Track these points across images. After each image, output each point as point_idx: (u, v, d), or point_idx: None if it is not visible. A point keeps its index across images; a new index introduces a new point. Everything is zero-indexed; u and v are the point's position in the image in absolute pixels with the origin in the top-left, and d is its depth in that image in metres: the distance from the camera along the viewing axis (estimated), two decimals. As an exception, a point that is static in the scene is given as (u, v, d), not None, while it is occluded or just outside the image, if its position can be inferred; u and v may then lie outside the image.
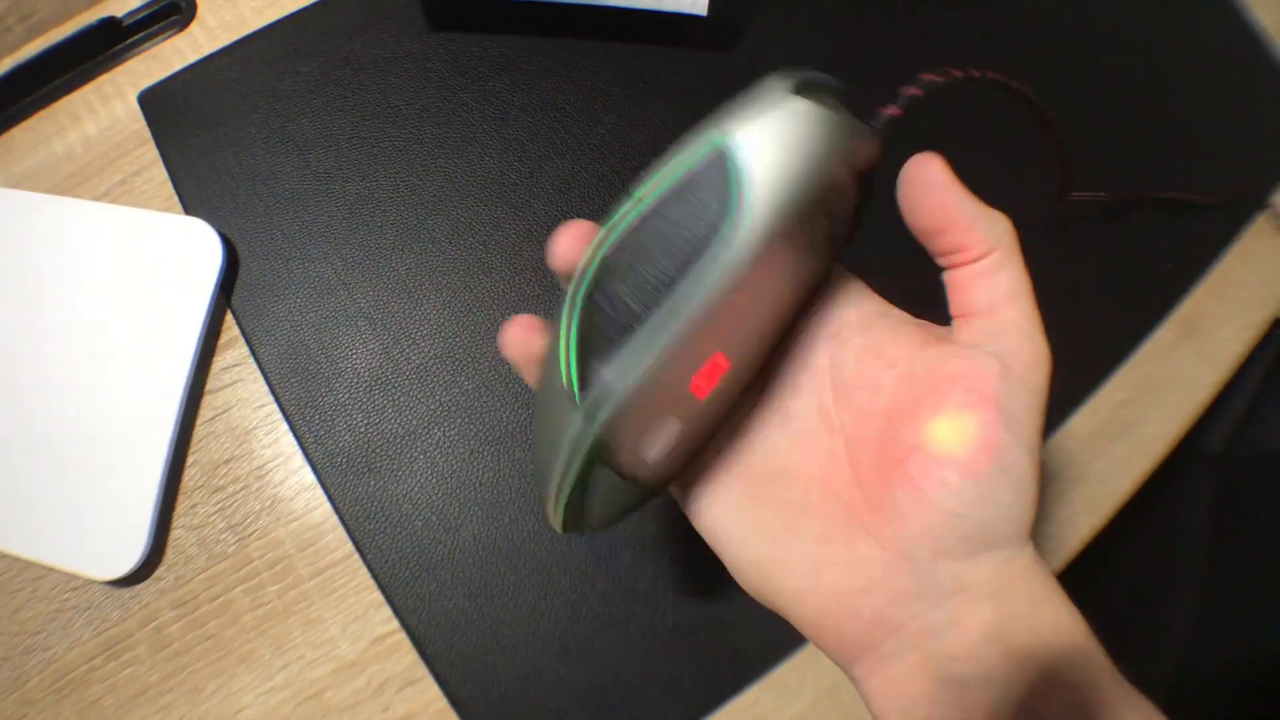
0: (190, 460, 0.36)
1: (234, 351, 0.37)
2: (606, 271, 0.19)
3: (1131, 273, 0.41)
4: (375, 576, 0.34)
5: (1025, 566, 0.20)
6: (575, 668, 0.33)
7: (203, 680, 0.33)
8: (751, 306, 0.20)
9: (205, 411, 0.36)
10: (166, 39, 0.41)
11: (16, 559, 0.34)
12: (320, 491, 0.35)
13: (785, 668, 0.34)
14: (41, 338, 0.35)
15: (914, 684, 0.19)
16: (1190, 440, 0.39)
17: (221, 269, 0.36)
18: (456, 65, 0.40)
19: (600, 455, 0.20)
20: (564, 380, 0.20)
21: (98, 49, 0.40)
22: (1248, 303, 0.41)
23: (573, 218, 0.38)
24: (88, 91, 0.40)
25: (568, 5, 0.38)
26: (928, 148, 0.22)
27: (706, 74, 0.41)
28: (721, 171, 0.19)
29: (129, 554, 0.33)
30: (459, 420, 0.35)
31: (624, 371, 0.19)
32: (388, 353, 0.36)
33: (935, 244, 0.22)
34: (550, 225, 0.38)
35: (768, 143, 0.19)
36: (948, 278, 0.22)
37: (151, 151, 0.39)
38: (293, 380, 0.36)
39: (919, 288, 0.23)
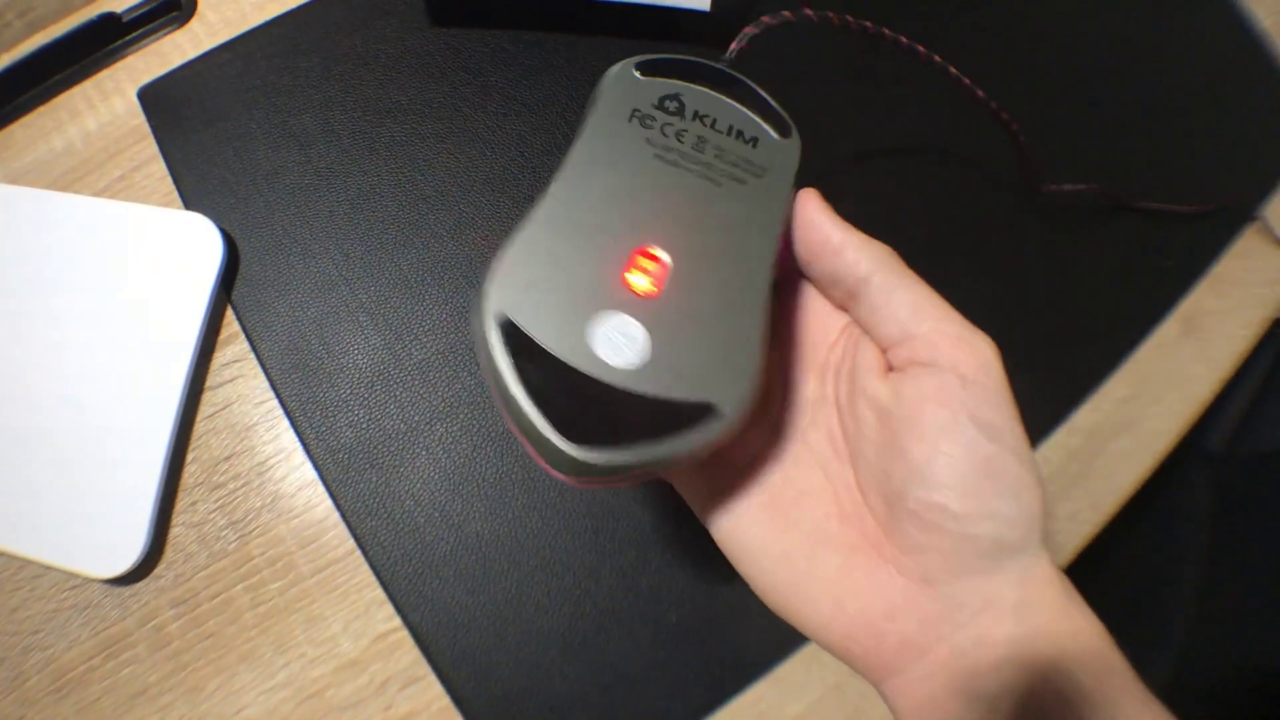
0: (190, 457, 0.35)
1: (234, 347, 0.37)
2: None
3: (1132, 270, 0.41)
4: (377, 573, 0.34)
5: (1045, 575, 0.20)
6: (579, 665, 0.33)
7: (203, 679, 0.33)
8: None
9: (205, 408, 0.36)
10: (166, 35, 0.41)
11: (14, 557, 0.34)
12: (321, 488, 0.35)
13: (790, 664, 0.34)
14: (41, 334, 0.35)
15: (943, 704, 0.20)
16: (1191, 439, 0.39)
17: (222, 264, 0.35)
18: (458, 60, 0.40)
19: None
20: None
21: (97, 45, 0.40)
22: (1248, 300, 0.42)
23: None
24: (87, 87, 0.40)
25: (570, 0, 0.38)
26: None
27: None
28: None
29: (128, 552, 0.33)
30: (461, 416, 0.35)
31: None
32: (389, 348, 0.36)
33: (811, 272, 0.23)
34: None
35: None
36: (856, 323, 0.23)
37: (151, 147, 0.39)
38: (294, 376, 0.35)
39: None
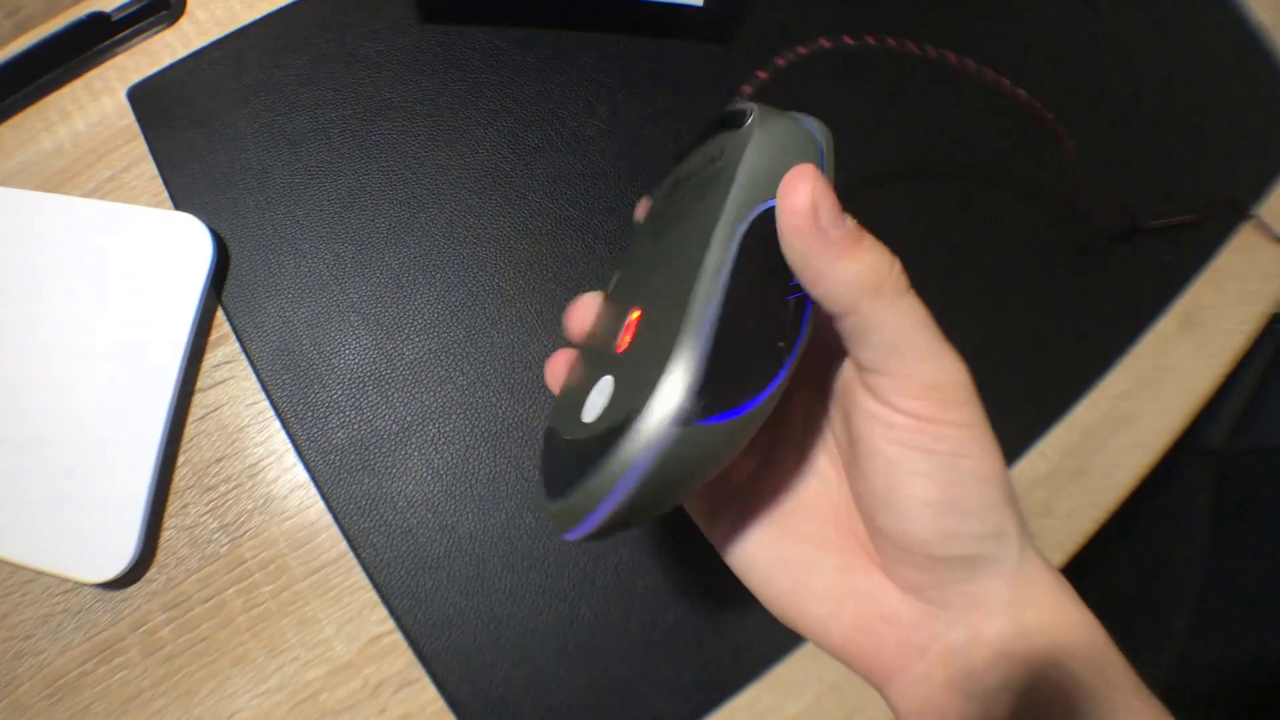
0: (181, 459, 0.35)
1: (225, 348, 0.36)
2: None
3: (1131, 265, 0.40)
4: (370, 576, 0.33)
5: (1035, 573, 0.20)
6: (574, 667, 0.33)
7: (196, 683, 0.33)
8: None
9: (196, 409, 0.36)
10: (156, 34, 0.41)
11: (5, 562, 0.33)
12: (314, 490, 0.34)
13: (786, 665, 0.34)
14: (30, 335, 0.35)
15: (941, 703, 0.20)
16: (1189, 434, 0.39)
17: (212, 265, 0.35)
18: (449, 58, 0.39)
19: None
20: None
21: (86, 44, 0.40)
22: (1246, 295, 0.41)
23: (568, 210, 0.38)
24: (76, 87, 0.40)
25: (562, -3, 0.38)
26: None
27: (702, 66, 0.40)
28: None
29: (119, 556, 0.33)
30: (454, 416, 0.35)
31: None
32: (381, 348, 0.36)
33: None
34: (544, 217, 0.38)
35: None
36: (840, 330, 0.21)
37: (141, 147, 0.38)
38: (285, 377, 0.35)
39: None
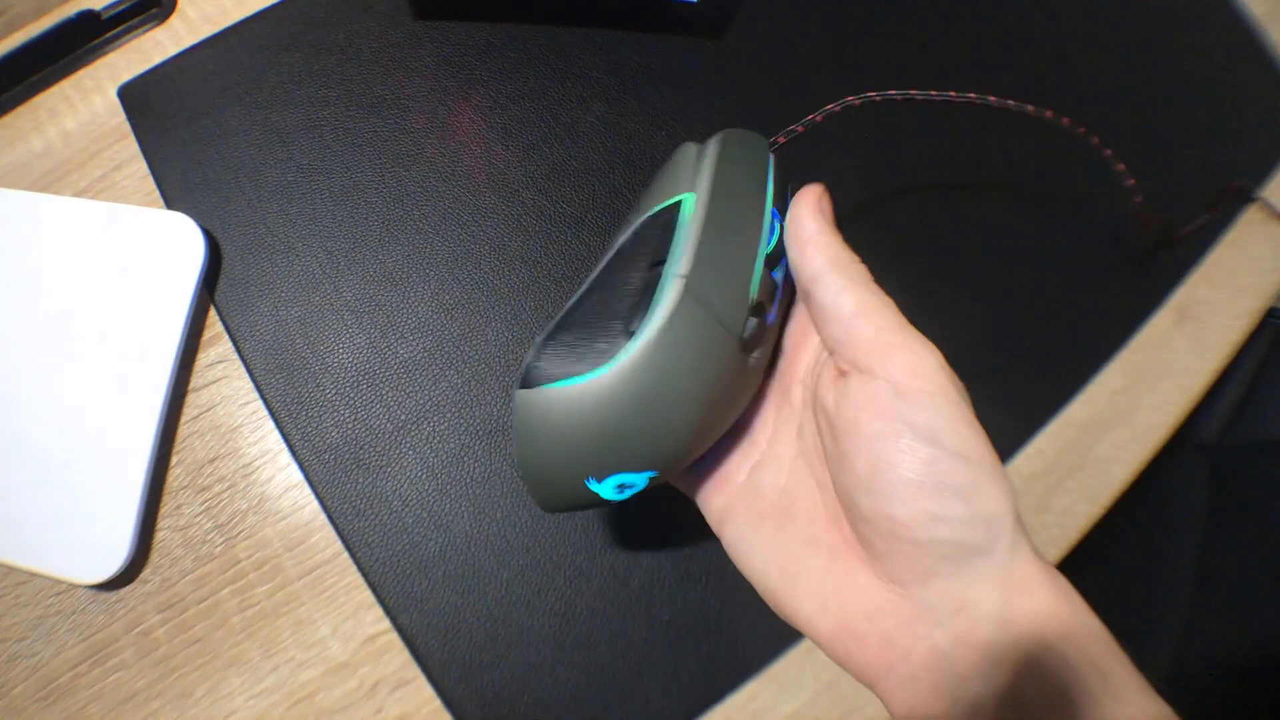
0: (174, 459, 0.35)
1: (218, 348, 0.36)
2: None
3: (1126, 259, 0.40)
4: (365, 575, 0.33)
5: (1027, 576, 0.20)
6: (570, 665, 0.33)
7: (191, 684, 0.33)
8: None
9: (189, 409, 0.35)
10: (146, 32, 0.40)
11: (-3, 563, 0.33)
12: (308, 489, 0.34)
13: (784, 662, 0.34)
14: (21, 336, 0.35)
15: (931, 706, 0.20)
16: (1185, 430, 0.39)
17: (204, 264, 0.35)
18: (442, 54, 0.39)
19: None
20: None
21: (76, 43, 0.40)
22: (1242, 289, 0.41)
23: (562, 206, 0.38)
24: (66, 86, 0.40)
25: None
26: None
27: (696, 62, 0.40)
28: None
29: (113, 557, 0.32)
30: (448, 414, 0.35)
31: None
32: (374, 347, 0.35)
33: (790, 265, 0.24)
34: (539, 214, 0.38)
35: None
36: (811, 317, 0.23)
37: (132, 146, 0.38)
38: (278, 376, 0.35)
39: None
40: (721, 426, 0.24)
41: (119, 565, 0.32)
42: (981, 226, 0.40)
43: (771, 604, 0.23)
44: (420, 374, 0.35)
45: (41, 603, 0.33)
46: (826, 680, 0.34)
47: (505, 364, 0.36)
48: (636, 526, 0.34)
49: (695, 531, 0.34)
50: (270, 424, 0.35)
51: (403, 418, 0.35)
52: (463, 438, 0.35)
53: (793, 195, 0.24)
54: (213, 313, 0.36)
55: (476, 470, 0.34)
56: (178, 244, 0.35)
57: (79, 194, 0.38)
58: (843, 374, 0.22)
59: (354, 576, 0.34)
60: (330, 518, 0.34)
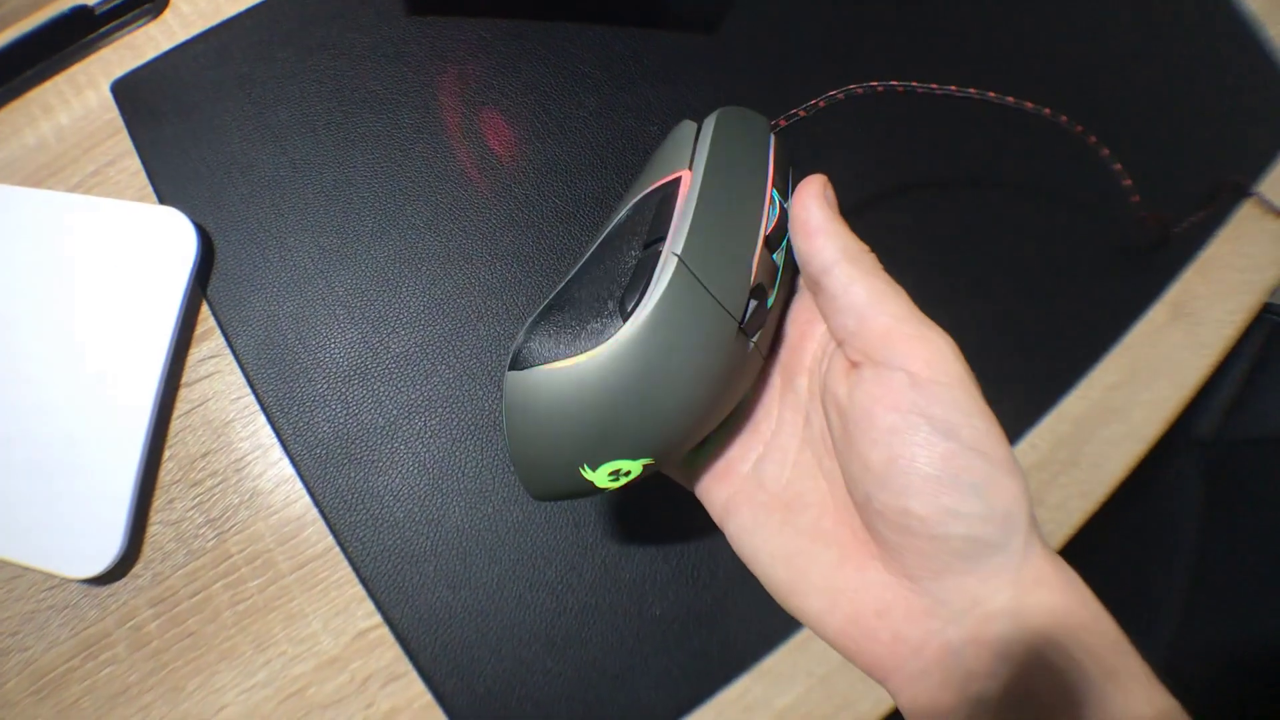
0: (167, 454, 0.35)
1: (210, 343, 0.36)
2: None
3: (1122, 254, 0.40)
4: (357, 570, 0.33)
5: (1040, 573, 0.19)
6: (562, 660, 0.33)
7: (183, 679, 0.33)
8: None
9: (181, 404, 0.35)
10: (139, 27, 0.40)
11: (-10, 558, 0.33)
12: (300, 484, 0.34)
13: (776, 657, 0.34)
14: (13, 331, 0.35)
15: (940, 702, 0.19)
16: (1180, 425, 0.39)
17: (196, 259, 0.35)
18: (434, 49, 0.39)
19: None
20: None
21: (70, 38, 0.39)
22: (1237, 285, 0.41)
23: (554, 201, 0.38)
24: (60, 81, 0.40)
25: (548, -13, 0.38)
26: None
27: (690, 56, 0.40)
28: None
29: (105, 552, 0.32)
30: (440, 409, 0.35)
31: None
32: (367, 342, 0.35)
33: (796, 257, 0.23)
34: (531, 210, 0.37)
35: None
36: (820, 308, 0.23)
37: (125, 141, 0.38)
38: (270, 371, 0.35)
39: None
40: (720, 413, 0.23)
41: (111, 560, 0.32)
42: (976, 222, 0.40)
43: (778, 599, 0.23)
44: (412, 369, 0.35)
45: (34, 597, 0.33)
46: (819, 675, 0.34)
47: (497, 359, 0.36)
48: (629, 521, 0.34)
49: (688, 526, 0.34)
50: (262, 419, 0.35)
51: (394, 412, 0.35)
52: (454, 432, 0.35)
53: (794, 180, 0.24)
54: (205, 308, 0.36)
55: (468, 465, 0.34)
56: (170, 239, 0.35)
57: (72, 189, 0.38)
58: (855, 365, 0.21)
59: (345, 571, 0.34)
60: (322, 512, 0.34)
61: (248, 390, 0.35)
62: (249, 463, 0.35)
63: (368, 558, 0.33)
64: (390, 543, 0.33)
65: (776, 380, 0.25)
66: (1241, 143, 0.43)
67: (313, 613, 0.33)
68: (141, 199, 0.37)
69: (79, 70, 0.40)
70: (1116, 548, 0.52)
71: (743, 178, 0.23)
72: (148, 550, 0.34)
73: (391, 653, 0.33)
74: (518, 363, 0.22)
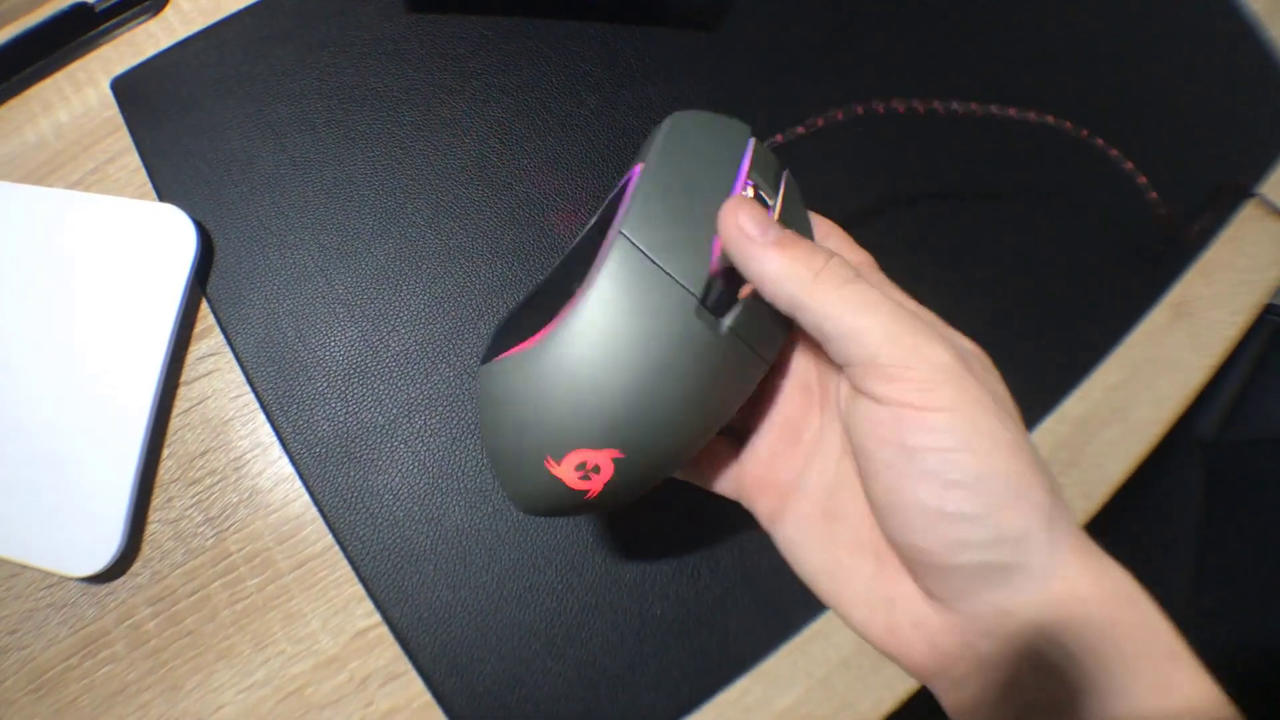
0: (166, 452, 0.35)
1: (209, 341, 0.36)
2: None
3: (1122, 255, 0.40)
4: (356, 569, 0.33)
5: (1069, 578, 0.18)
6: (562, 660, 0.33)
7: (181, 677, 0.33)
8: None
9: (181, 402, 0.35)
10: (140, 24, 0.40)
11: (-12, 556, 0.33)
12: (299, 483, 0.34)
13: (776, 658, 0.34)
14: (12, 328, 0.35)
15: (980, 707, 0.19)
16: (1181, 426, 0.39)
17: (196, 256, 0.35)
18: (435, 47, 0.39)
19: None
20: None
21: (69, 35, 0.39)
22: (1238, 286, 0.41)
23: (555, 200, 0.38)
24: (60, 79, 0.39)
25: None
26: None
27: (691, 54, 0.40)
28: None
29: (104, 550, 0.32)
30: (440, 408, 0.35)
31: None
32: (367, 340, 0.35)
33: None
34: (532, 208, 0.37)
35: None
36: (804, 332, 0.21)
37: (125, 138, 0.38)
38: (270, 369, 0.35)
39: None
40: (701, 403, 0.21)
41: (110, 558, 0.32)
42: (976, 224, 0.40)
43: (827, 604, 0.23)
44: (412, 367, 0.35)
45: (32, 595, 0.33)
46: (819, 676, 0.34)
47: (498, 358, 0.36)
48: (629, 521, 0.34)
49: (689, 526, 0.34)
50: (261, 417, 0.35)
51: (394, 411, 0.35)
52: (454, 431, 0.35)
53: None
54: (204, 305, 0.36)
55: (468, 464, 0.34)
56: (170, 237, 0.35)
57: (72, 186, 0.38)
58: (854, 391, 0.20)
59: (345, 570, 0.34)
60: (321, 511, 0.34)
61: (247, 388, 0.35)
62: (248, 461, 0.35)
63: (367, 557, 0.33)
64: (389, 542, 0.33)
65: (815, 388, 0.25)
66: (1242, 143, 0.43)
67: (311, 612, 0.33)
68: (141, 196, 0.37)
69: (79, 67, 0.39)
70: (1117, 548, 0.51)
71: (703, 168, 0.22)
72: (146, 549, 0.34)
73: (390, 652, 0.33)
74: (485, 357, 0.22)
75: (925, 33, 0.42)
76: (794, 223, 0.23)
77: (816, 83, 0.40)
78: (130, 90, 0.38)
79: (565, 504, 0.22)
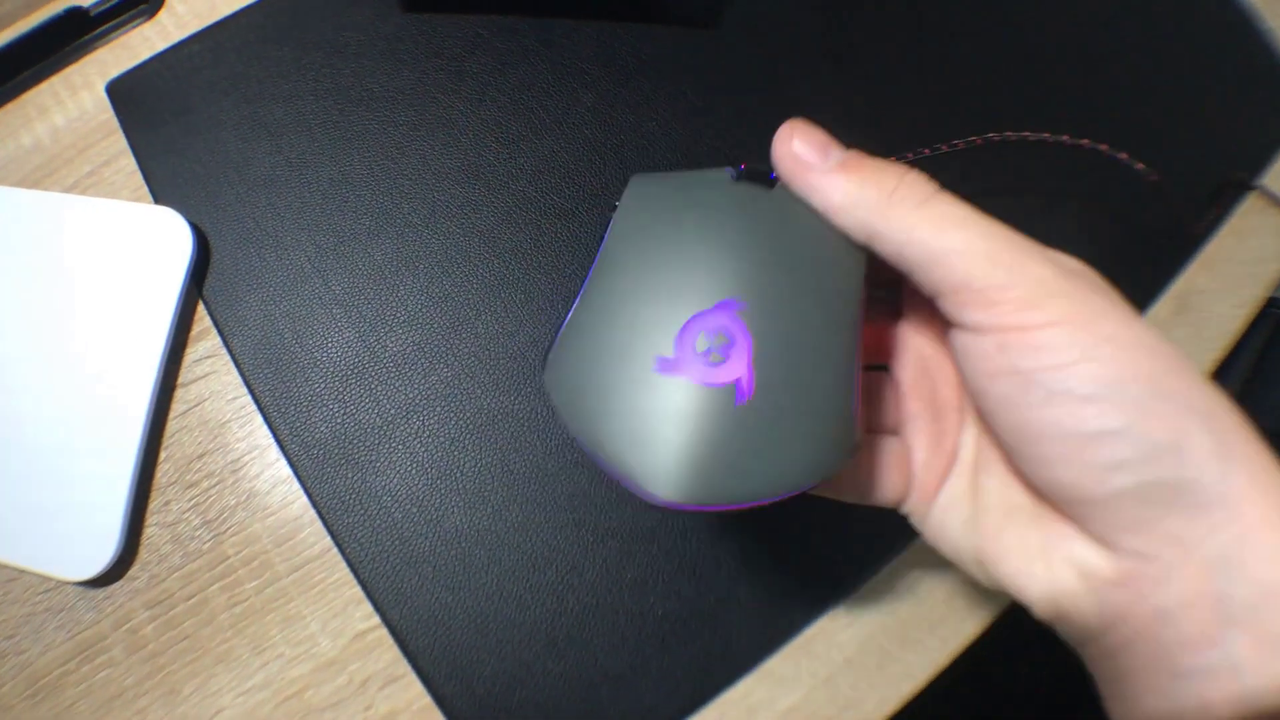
0: (163, 455, 0.35)
1: (206, 343, 0.36)
2: None
3: (1126, 247, 0.40)
4: (355, 571, 0.33)
5: (1260, 510, 0.15)
6: (563, 661, 0.32)
7: (179, 682, 0.32)
8: None
9: (178, 405, 0.35)
10: (135, 28, 0.40)
11: (-15, 561, 0.33)
12: (297, 485, 0.34)
13: (779, 658, 0.33)
14: (8, 332, 0.34)
15: (1147, 679, 0.17)
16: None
17: (192, 259, 0.35)
18: (431, 46, 0.39)
19: None
20: None
21: (64, 40, 0.39)
22: (1241, 278, 0.41)
23: (553, 198, 0.38)
24: (55, 83, 0.39)
25: (545, -16, 0.37)
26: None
27: (688, 52, 0.40)
28: None
29: (101, 554, 0.32)
30: (438, 409, 0.35)
31: None
32: (364, 341, 0.35)
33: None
34: (529, 207, 0.37)
35: None
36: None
37: (120, 142, 0.38)
38: (267, 371, 0.35)
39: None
40: (791, 254, 0.18)
41: (107, 562, 0.32)
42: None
43: (971, 571, 0.21)
44: (410, 368, 0.35)
45: (29, 600, 0.33)
46: (823, 676, 0.33)
47: (495, 357, 0.35)
48: (630, 520, 0.34)
49: (691, 525, 0.34)
50: (259, 419, 0.35)
51: (392, 412, 0.34)
52: (453, 432, 0.34)
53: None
54: (201, 307, 0.36)
55: (467, 465, 0.34)
56: (166, 239, 0.35)
57: (68, 190, 0.37)
58: (955, 327, 0.18)
59: (343, 572, 0.33)
60: (319, 513, 0.33)
61: (244, 390, 0.35)
62: (246, 464, 0.35)
63: (366, 559, 0.33)
64: (388, 543, 0.33)
65: (931, 357, 0.23)
66: (1243, 135, 0.43)
67: (310, 614, 0.33)
68: (137, 199, 0.37)
69: (74, 71, 0.39)
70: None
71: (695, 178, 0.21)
72: (144, 552, 0.34)
73: (390, 654, 0.33)
74: (545, 367, 0.20)
75: (923, 30, 0.42)
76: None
77: (817, 79, 0.40)
78: (126, 93, 0.38)
79: (720, 421, 0.17)
